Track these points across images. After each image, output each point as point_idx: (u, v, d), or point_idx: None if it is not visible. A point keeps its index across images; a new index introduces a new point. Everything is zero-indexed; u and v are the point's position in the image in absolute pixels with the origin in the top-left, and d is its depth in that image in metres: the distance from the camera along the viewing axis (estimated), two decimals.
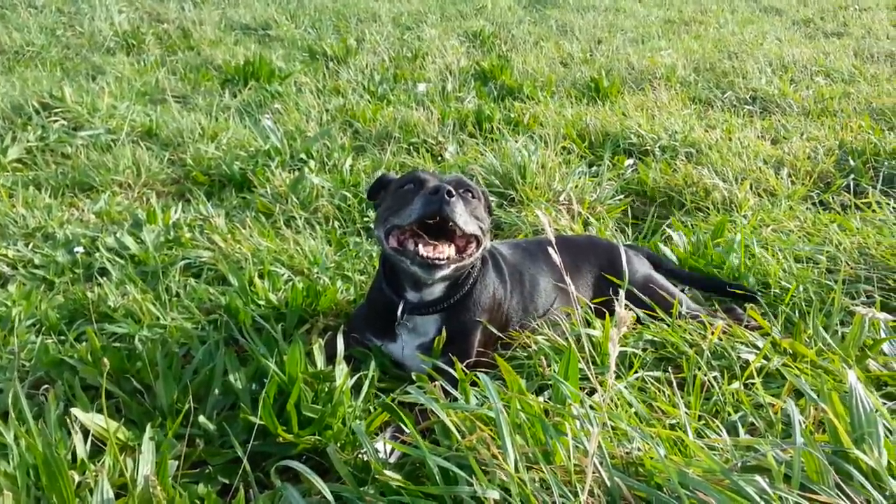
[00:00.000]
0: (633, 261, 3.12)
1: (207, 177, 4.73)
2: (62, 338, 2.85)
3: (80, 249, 3.56)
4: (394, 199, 2.50)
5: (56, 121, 5.47)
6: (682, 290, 3.16)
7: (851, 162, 4.83)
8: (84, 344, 2.64)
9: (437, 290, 2.57)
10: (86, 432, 2.14)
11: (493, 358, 2.29)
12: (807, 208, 4.16)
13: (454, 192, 2.27)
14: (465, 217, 2.33)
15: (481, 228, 2.47)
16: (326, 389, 2.31)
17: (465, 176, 2.87)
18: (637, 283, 2.98)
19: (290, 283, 3.20)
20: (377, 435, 2.21)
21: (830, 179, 4.67)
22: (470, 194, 2.53)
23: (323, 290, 3.09)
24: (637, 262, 3.17)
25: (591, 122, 5.62)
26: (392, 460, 2.08)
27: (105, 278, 3.32)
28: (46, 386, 2.46)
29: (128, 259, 3.53)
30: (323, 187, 4.38)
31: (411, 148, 5.30)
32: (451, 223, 2.28)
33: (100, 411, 2.09)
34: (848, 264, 3.29)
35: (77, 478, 1.93)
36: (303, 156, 4.97)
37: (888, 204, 3.90)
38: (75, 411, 2.17)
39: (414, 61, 8.05)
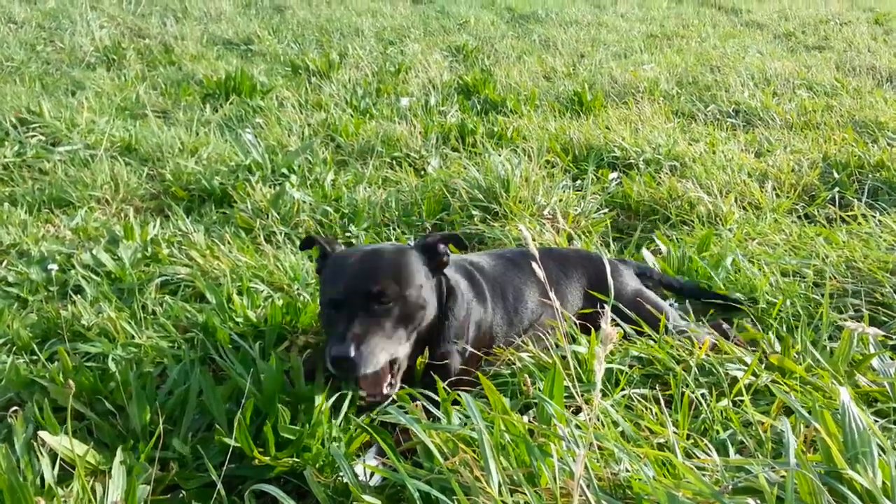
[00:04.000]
0: (623, 274, 3.08)
1: (187, 192, 4.66)
2: (34, 357, 2.76)
3: (55, 267, 3.48)
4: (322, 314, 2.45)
5: (34, 136, 5.38)
6: (672, 304, 3.11)
7: (836, 175, 4.81)
8: (56, 364, 2.57)
9: None
10: (55, 456, 2.07)
11: (476, 376, 2.24)
12: (792, 221, 4.13)
13: (355, 361, 2.15)
14: (374, 359, 2.20)
15: (401, 341, 2.33)
16: (305, 410, 2.25)
17: (387, 247, 2.58)
18: (627, 297, 2.93)
19: (270, 300, 3.14)
20: (357, 457, 2.15)
21: (815, 192, 4.65)
22: (393, 284, 2.32)
23: (303, 307, 3.02)
24: (627, 275, 3.12)
25: (575, 135, 5.59)
26: (373, 483, 2.01)
27: (80, 296, 3.24)
28: (16, 408, 2.38)
29: (103, 276, 3.45)
30: (304, 202, 4.32)
31: (394, 162, 5.25)
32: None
33: (68, 433, 2.02)
34: (835, 278, 3.26)
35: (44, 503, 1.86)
36: (284, 170, 4.91)
37: (873, 216, 3.88)
38: (43, 434, 2.09)
39: (397, 76, 8.03)
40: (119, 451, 2.01)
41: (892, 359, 2.57)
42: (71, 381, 1.84)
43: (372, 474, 2.02)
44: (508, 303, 2.81)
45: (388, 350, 2.26)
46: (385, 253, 2.46)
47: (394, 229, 4.09)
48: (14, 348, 2.86)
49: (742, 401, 2.28)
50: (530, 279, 2.90)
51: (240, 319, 2.97)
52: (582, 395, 2.01)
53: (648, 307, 2.86)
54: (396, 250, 2.49)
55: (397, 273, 2.36)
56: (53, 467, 2.01)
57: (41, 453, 2.01)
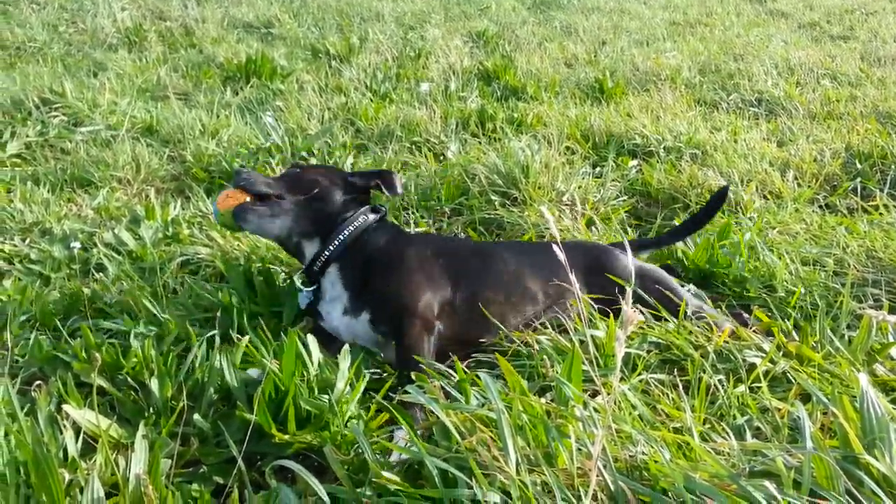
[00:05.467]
0: (619, 259, 3.05)
1: (207, 173, 4.69)
2: (57, 333, 2.80)
3: (78, 245, 3.52)
4: None
5: (56, 116, 5.44)
6: (683, 286, 3.10)
7: (858, 165, 4.78)
8: (78, 340, 2.60)
9: (308, 250, 2.88)
10: (78, 430, 2.10)
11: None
12: (813, 211, 4.11)
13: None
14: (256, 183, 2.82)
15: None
16: (321, 386, 2.27)
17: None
18: (627, 277, 2.92)
19: (288, 281, 3.16)
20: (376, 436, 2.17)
21: (837, 182, 4.62)
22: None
23: None
24: (625, 259, 3.09)
25: (596, 122, 5.56)
26: (392, 460, 2.03)
27: (102, 274, 3.28)
28: (39, 382, 2.42)
29: (125, 255, 3.49)
30: None
31: (413, 146, 5.25)
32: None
33: (92, 408, 2.05)
34: (855, 268, 3.24)
35: (67, 476, 1.89)
36: (304, 153, 4.93)
37: (895, 207, 3.86)
38: (67, 408, 2.12)
39: (417, 60, 8.01)
40: (141, 426, 2.04)
41: None
42: (97, 355, 1.87)
43: (391, 452, 2.04)
44: (490, 270, 2.88)
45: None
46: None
47: (412, 213, 4.10)
48: (37, 324, 2.90)
49: (759, 387, 2.29)
50: (527, 259, 2.93)
51: (259, 299, 3.00)
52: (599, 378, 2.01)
53: (666, 292, 2.84)
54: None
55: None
56: (77, 441, 2.04)
57: (65, 427, 2.05)
